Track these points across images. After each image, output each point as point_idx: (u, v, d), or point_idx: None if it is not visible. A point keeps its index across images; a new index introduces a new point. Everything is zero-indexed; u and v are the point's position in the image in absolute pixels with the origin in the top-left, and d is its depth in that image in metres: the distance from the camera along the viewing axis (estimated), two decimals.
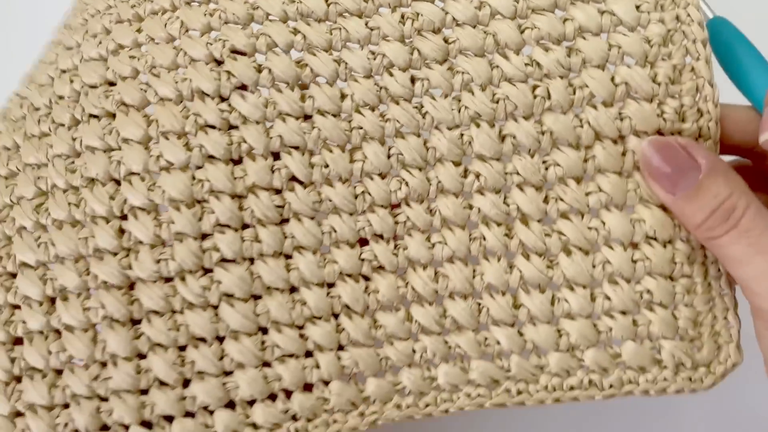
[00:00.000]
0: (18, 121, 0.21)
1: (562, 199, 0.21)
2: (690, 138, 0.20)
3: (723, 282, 0.21)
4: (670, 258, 0.20)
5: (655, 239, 0.20)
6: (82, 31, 0.22)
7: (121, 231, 0.20)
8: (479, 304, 0.21)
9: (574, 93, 0.20)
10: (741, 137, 0.21)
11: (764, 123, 0.19)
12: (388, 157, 0.21)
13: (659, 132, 0.20)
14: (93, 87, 0.20)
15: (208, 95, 0.20)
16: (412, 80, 0.21)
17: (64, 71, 0.21)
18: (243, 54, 0.20)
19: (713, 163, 0.19)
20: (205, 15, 0.20)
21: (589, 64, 0.20)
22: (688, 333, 0.21)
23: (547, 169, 0.21)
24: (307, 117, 0.21)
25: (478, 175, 0.21)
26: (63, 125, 0.20)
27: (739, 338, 0.21)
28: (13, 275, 0.20)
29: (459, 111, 0.21)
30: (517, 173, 0.21)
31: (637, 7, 0.20)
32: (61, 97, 0.21)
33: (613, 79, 0.20)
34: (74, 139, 0.20)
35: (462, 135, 0.21)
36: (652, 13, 0.20)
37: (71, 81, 0.21)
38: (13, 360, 0.20)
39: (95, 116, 0.20)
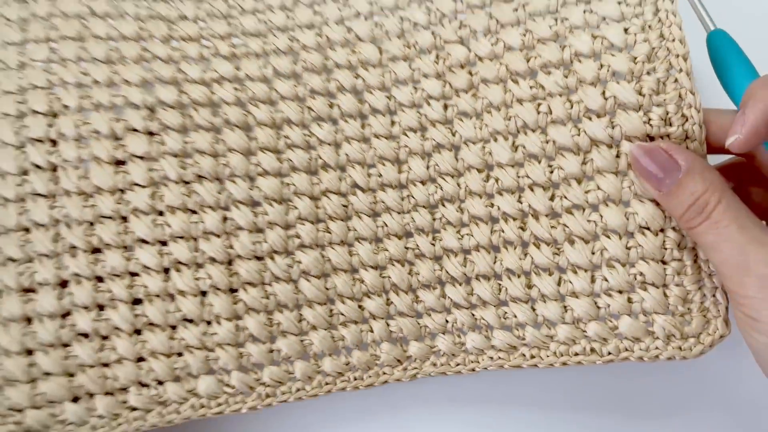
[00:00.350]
0: (111, 108, 0.27)
1: (565, 197, 0.26)
2: (678, 140, 0.24)
3: (712, 264, 0.24)
4: (660, 245, 0.25)
5: (648, 229, 0.25)
6: (171, 50, 0.28)
7: (224, 218, 0.27)
8: (500, 285, 0.26)
9: (572, 107, 0.25)
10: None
11: (732, 128, 0.22)
12: (427, 168, 0.27)
13: (648, 136, 0.25)
14: (201, 105, 0.28)
15: (294, 124, 0.28)
16: (445, 107, 0.27)
17: (168, 82, 0.27)
18: (320, 94, 0.28)
19: (691, 163, 0.23)
20: (291, 63, 0.28)
21: (583, 83, 0.25)
22: (678, 309, 0.24)
23: (552, 172, 0.26)
24: (366, 140, 0.27)
25: (497, 180, 0.26)
26: (173, 129, 0.27)
27: (726, 313, 0.24)
28: (130, 248, 0.27)
29: (481, 129, 0.26)
30: (528, 176, 0.26)
31: (626, 30, 0.25)
32: (164, 103, 0.27)
33: (603, 93, 0.25)
34: (186, 143, 0.27)
35: (484, 147, 0.26)
36: (638, 35, 0.25)
37: (179, 93, 0.27)
38: (136, 316, 0.27)
39: (204, 128, 0.27)
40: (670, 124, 0.24)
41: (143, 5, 0.29)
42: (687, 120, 0.24)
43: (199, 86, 0.28)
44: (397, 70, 0.27)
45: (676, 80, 0.24)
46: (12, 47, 0.27)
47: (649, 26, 0.25)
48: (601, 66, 0.25)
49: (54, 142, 0.27)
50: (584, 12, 0.25)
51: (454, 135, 0.27)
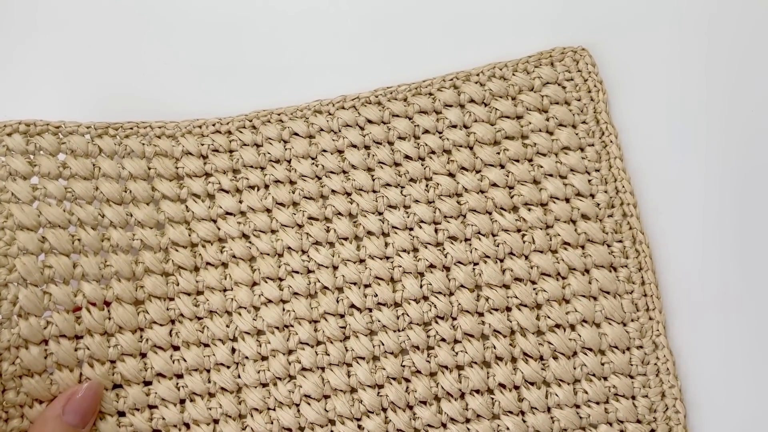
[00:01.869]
0: (129, 253, 0.31)
1: (549, 317, 0.31)
2: (635, 269, 0.31)
3: (672, 378, 0.30)
4: (627, 361, 0.30)
5: (616, 347, 0.31)
6: (178, 187, 0.32)
7: (232, 350, 0.31)
8: (492, 399, 0.31)
9: (551, 239, 0.31)
10: None
11: None
12: (421, 287, 0.31)
13: (612, 266, 0.31)
14: (208, 242, 0.32)
15: (294, 250, 0.31)
16: (436, 230, 0.32)
17: (177, 222, 0.32)
18: (317, 219, 0.32)
19: None
20: (289, 193, 0.32)
21: (559, 219, 0.32)
22: (646, 417, 0.30)
23: (537, 293, 0.31)
24: (361, 261, 0.32)
25: (487, 299, 0.31)
26: (186, 269, 0.31)
27: (685, 422, 0.30)
28: (149, 383, 0.30)
29: (471, 252, 0.31)
30: (516, 297, 0.31)
31: (589, 181, 0.32)
32: (176, 244, 0.32)
33: (576, 229, 0.31)
34: (198, 281, 0.31)
35: (474, 269, 0.31)
36: (599, 186, 0.32)
37: (189, 234, 0.32)
38: None
39: (212, 264, 0.31)
40: (627, 257, 0.31)
41: (147, 142, 0.32)
42: (640, 254, 0.32)
43: (206, 223, 0.31)
44: (389, 195, 0.32)
45: (629, 222, 0.32)
46: (23, 182, 0.30)
47: (606, 180, 0.32)
48: (572, 208, 0.32)
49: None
50: (555, 162, 0.33)
51: (445, 256, 0.32)
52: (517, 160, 0.33)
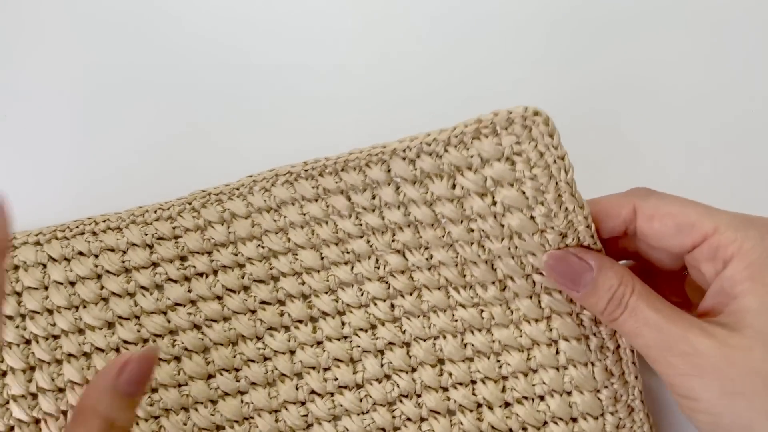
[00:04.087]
0: (80, 357, 0.33)
1: (515, 389, 0.33)
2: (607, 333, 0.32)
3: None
4: (601, 428, 0.32)
5: (589, 414, 0.32)
6: (126, 282, 0.34)
7: None
8: None
9: (512, 314, 0.33)
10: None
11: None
12: (382, 365, 0.33)
13: (584, 335, 0.32)
14: (159, 336, 0.34)
15: (248, 338, 0.34)
16: (392, 307, 0.34)
17: (126, 317, 0.34)
18: (269, 303, 0.34)
19: (601, 262, 0.28)
20: (238, 278, 0.34)
21: (519, 296, 0.32)
22: None
23: (501, 367, 0.33)
24: (318, 343, 0.34)
25: (450, 374, 0.33)
26: None
27: None
28: None
29: (429, 327, 0.33)
30: (479, 371, 0.33)
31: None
32: (127, 342, 0.34)
33: (539, 304, 0.32)
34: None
35: (434, 344, 0.33)
36: None
37: (138, 330, 0.34)
38: None
39: (164, 360, 0.34)
40: (597, 323, 0.32)
41: (93, 239, 0.35)
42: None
43: (156, 317, 0.34)
44: (339, 274, 0.34)
45: None
46: None
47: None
48: (534, 283, 0.31)
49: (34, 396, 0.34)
50: (508, 248, 0.30)
51: (403, 333, 0.34)
52: (467, 243, 0.31)
